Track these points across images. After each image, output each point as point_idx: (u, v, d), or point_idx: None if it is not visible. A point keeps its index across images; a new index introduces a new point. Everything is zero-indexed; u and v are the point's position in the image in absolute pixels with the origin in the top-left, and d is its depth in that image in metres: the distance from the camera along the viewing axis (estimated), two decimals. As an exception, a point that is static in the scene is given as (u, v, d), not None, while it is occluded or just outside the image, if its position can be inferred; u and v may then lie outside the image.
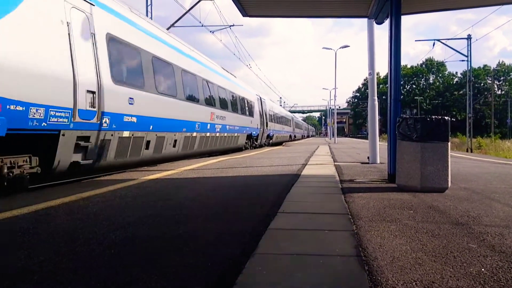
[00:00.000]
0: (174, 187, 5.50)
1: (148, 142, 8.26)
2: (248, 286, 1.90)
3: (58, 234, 2.87)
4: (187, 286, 1.90)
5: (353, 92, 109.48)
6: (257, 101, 22.16)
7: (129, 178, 6.46)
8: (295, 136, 48.33)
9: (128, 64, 7.86)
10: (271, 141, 27.00)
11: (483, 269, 2.12)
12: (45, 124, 5.26)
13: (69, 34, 5.69)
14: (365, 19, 9.25)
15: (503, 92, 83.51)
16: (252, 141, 20.27)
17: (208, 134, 12.38)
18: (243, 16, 7.51)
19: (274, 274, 2.04)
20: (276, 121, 30.24)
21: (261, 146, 23.10)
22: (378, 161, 9.30)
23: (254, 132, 20.30)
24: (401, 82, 6.24)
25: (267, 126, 24.35)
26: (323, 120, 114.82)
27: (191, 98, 11.21)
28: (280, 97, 75.16)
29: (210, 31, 20.01)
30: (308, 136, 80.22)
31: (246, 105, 18.75)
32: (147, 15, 16.45)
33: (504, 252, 2.42)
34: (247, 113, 18.86)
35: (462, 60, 31.84)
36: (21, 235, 2.85)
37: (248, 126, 18.76)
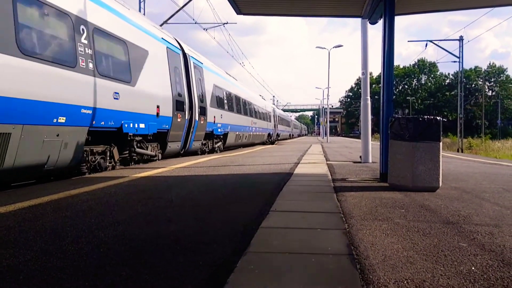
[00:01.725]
0: (165, 185, 5.46)
1: None
2: (240, 285, 1.88)
3: (45, 232, 2.82)
4: (178, 285, 1.87)
5: (346, 91, 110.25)
6: (159, 47, 9.65)
7: (119, 175, 6.39)
8: (278, 135, 36.25)
9: None
10: (219, 144, 15.13)
11: (473, 268, 2.13)
12: None
13: None
14: (359, 19, 9.28)
15: (493, 93, 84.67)
16: (111, 154, 7.71)
17: None
18: (237, 14, 7.47)
19: (266, 273, 2.02)
20: (238, 108, 18.27)
21: (163, 157, 10.16)
22: (370, 160, 9.34)
23: (103, 121, 7.02)
24: (394, 82, 6.27)
25: (204, 114, 12.35)
26: (315, 119, 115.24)
27: None
28: (273, 96, 75.17)
29: (204, 29, 19.90)
30: (300, 135, 78.34)
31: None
32: (139, 11, 16.29)
33: (494, 251, 2.44)
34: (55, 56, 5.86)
35: (454, 61, 32.20)
36: (6, 233, 2.79)
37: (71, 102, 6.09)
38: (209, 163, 9.02)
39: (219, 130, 14.62)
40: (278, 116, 37.97)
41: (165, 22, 16.27)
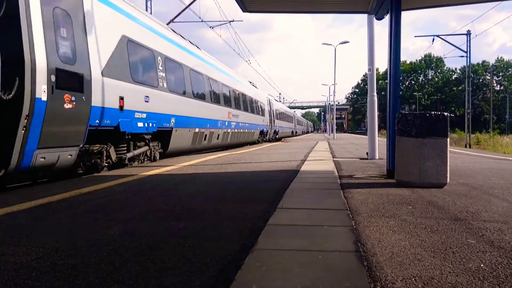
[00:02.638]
0: (174, 182, 5.50)
1: None
2: (247, 282, 1.89)
3: (56, 230, 2.87)
4: (187, 282, 1.90)
5: (353, 88, 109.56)
6: None
7: (128, 173, 6.45)
8: (276, 133, 29.66)
9: None
10: (144, 150, 8.62)
11: (482, 265, 2.12)
12: None
13: None
14: (365, 15, 9.21)
15: (501, 87, 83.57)
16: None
17: None
18: (243, 11, 7.47)
19: (273, 270, 2.04)
20: (198, 90, 11.99)
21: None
22: (377, 157, 9.30)
23: None
24: (400, 78, 6.23)
25: (79, 90, 6.06)
26: (322, 116, 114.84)
27: None
28: (280, 93, 74.90)
29: (210, 27, 19.94)
30: (304, 132, 74.09)
31: None
32: (146, 10, 16.36)
33: (503, 247, 2.42)
34: None
35: (462, 56, 31.81)
36: (19, 231, 2.85)
37: None
38: (216, 161, 9.06)
39: (140, 124, 7.91)
40: (276, 110, 31.20)
41: (172, 20, 16.32)
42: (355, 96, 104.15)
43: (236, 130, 16.42)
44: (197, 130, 11.49)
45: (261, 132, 23.40)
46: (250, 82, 23.12)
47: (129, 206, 3.72)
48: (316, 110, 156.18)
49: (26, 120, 5.11)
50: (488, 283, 1.88)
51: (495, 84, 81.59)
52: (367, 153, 9.67)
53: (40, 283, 1.90)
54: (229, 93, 15.86)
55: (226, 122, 14.86)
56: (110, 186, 5.04)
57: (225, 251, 2.35)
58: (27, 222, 3.11)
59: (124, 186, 5.02)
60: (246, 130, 18.57)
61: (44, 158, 5.55)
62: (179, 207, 3.69)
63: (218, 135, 13.87)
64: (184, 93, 10.66)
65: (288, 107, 55.90)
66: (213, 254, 2.29)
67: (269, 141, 25.72)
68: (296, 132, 50.43)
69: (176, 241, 2.57)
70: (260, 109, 23.15)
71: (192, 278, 1.94)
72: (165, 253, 2.33)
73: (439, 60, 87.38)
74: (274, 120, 28.76)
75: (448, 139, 4.89)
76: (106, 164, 7.28)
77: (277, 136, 30.34)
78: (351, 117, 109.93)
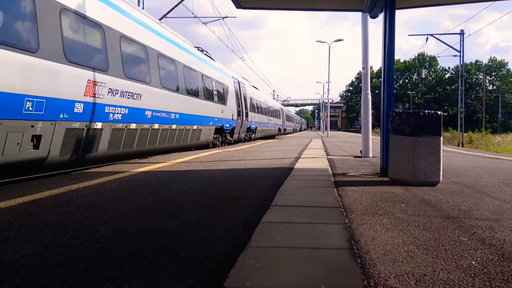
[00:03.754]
0: (166, 179, 5.46)
1: None
2: (241, 279, 1.88)
3: (46, 227, 2.82)
4: (179, 280, 1.88)
5: (347, 86, 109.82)
6: None
7: (119, 170, 6.39)
8: (252, 131, 22.54)
9: None
10: None
11: (473, 262, 2.13)
12: None
13: None
14: (360, 13, 9.22)
15: (494, 87, 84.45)
16: None
17: None
18: (237, 7, 7.42)
19: (267, 268, 2.02)
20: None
21: None
22: (371, 155, 9.34)
23: None
24: (394, 77, 6.25)
25: None
26: (316, 114, 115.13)
27: None
28: (274, 90, 74.76)
29: (203, 23, 19.80)
30: (296, 130, 71.79)
31: None
32: (138, 5, 16.22)
33: (494, 245, 2.44)
34: None
35: (455, 55, 32.06)
36: (7, 228, 2.80)
37: None
38: (210, 158, 9.02)
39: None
40: (253, 99, 22.59)
41: (164, 16, 16.19)
42: (349, 94, 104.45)
43: (134, 126, 8.32)
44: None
45: (220, 130, 15.37)
46: (201, 50, 14.93)
47: (120, 203, 3.68)
48: (310, 108, 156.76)
49: None
50: (479, 280, 1.89)
51: (487, 84, 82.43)
52: (361, 151, 9.71)
53: (29, 281, 1.87)
54: (105, 42, 7.33)
55: (80, 105, 6.43)
56: (101, 182, 4.99)
57: (219, 248, 2.33)
58: (15, 219, 3.05)
59: (115, 183, 4.97)
60: (173, 126, 10.37)
61: None
62: (171, 205, 3.66)
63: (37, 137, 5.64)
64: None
65: (281, 104, 54.62)
66: (206, 251, 2.27)
67: (240, 141, 19.06)
68: (285, 130, 42.83)
69: (169, 239, 2.54)
70: (215, 92, 14.73)
71: (185, 276, 1.92)
72: (157, 251, 2.30)
73: (433, 59, 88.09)
74: (247, 113, 20.28)
75: (442, 138, 4.92)
76: None
77: (253, 136, 22.59)
78: (345, 115, 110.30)
